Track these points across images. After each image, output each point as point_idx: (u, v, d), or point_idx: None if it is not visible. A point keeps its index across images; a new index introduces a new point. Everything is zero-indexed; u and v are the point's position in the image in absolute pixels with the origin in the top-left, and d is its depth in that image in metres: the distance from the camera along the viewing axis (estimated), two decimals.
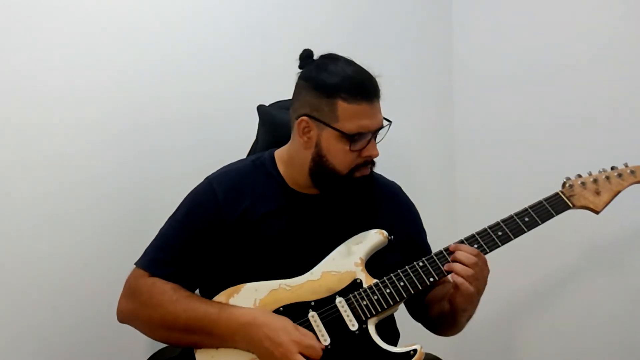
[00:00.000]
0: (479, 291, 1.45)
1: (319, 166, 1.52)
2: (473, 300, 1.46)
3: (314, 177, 1.54)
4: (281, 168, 1.60)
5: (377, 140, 1.53)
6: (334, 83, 1.47)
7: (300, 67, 1.58)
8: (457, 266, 1.44)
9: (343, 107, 1.46)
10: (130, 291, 1.50)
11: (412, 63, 2.48)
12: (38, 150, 1.75)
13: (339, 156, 1.50)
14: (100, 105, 1.85)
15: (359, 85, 1.48)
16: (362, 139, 1.48)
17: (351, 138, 1.47)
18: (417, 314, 1.67)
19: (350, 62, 1.53)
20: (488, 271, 1.47)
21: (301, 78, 1.55)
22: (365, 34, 2.36)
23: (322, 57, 1.56)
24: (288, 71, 2.12)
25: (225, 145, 1.95)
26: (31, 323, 1.74)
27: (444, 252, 1.50)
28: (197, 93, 2.02)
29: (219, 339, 1.41)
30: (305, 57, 1.57)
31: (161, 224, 1.57)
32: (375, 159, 1.55)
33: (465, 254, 1.45)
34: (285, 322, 1.40)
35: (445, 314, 1.53)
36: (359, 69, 1.52)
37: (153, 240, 1.55)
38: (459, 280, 1.43)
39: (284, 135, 1.65)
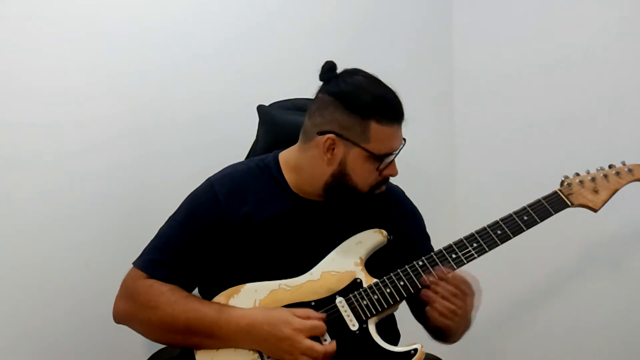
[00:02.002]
0: (463, 321, 1.45)
1: (340, 182, 1.51)
2: (458, 323, 1.46)
3: (329, 191, 1.53)
4: (286, 173, 1.58)
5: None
6: (368, 104, 1.46)
7: (321, 79, 1.53)
8: (434, 299, 1.43)
9: (376, 129, 1.46)
10: (128, 292, 1.50)
11: (412, 64, 2.48)
12: (38, 151, 1.76)
13: (364, 175, 1.50)
14: (101, 105, 1.86)
15: (392, 107, 1.49)
16: (388, 159, 1.50)
17: (381, 159, 1.48)
18: (421, 318, 1.67)
19: (377, 80, 1.52)
20: (472, 298, 1.45)
21: (328, 93, 1.50)
22: (365, 35, 2.36)
23: (347, 72, 1.52)
24: (288, 71, 2.15)
25: (226, 145, 1.96)
26: (30, 324, 1.75)
27: (444, 252, 1.50)
28: (198, 93, 2.03)
29: (219, 340, 1.41)
30: (328, 70, 1.52)
31: (161, 224, 1.57)
32: None
33: (444, 288, 1.44)
34: (282, 312, 1.40)
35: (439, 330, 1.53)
36: (388, 89, 1.51)
37: (152, 241, 1.55)
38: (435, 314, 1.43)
39: (284, 135, 1.66)
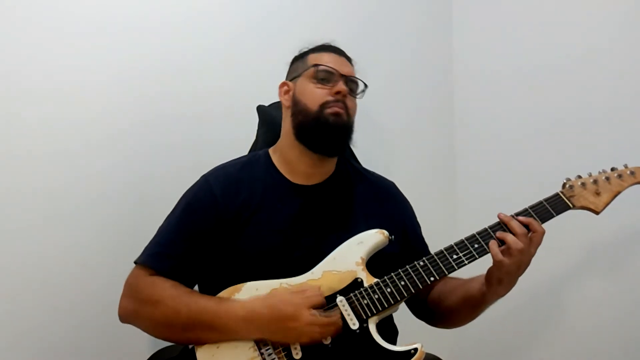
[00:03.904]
0: (520, 266, 1.44)
1: (296, 114, 1.62)
2: (511, 273, 1.45)
3: (298, 133, 1.61)
4: (276, 161, 1.65)
5: (357, 98, 1.67)
6: (306, 50, 1.71)
7: None
8: (509, 236, 1.45)
9: (312, 57, 1.66)
10: (131, 290, 1.51)
11: (412, 63, 2.49)
12: (36, 149, 1.76)
13: (309, 93, 1.61)
14: (101, 104, 1.86)
15: (327, 45, 1.70)
16: (329, 78, 1.61)
17: (316, 70, 1.61)
18: (423, 311, 1.69)
19: None
20: (535, 251, 1.47)
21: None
22: (365, 34, 2.37)
23: None
24: None
25: (225, 145, 1.96)
26: (30, 323, 1.74)
27: (445, 252, 1.50)
28: (198, 93, 2.03)
29: (220, 332, 1.41)
30: None
31: (161, 222, 1.58)
32: (348, 105, 1.62)
33: (519, 224, 1.47)
34: (278, 295, 1.43)
35: (472, 296, 1.53)
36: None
37: (152, 238, 1.56)
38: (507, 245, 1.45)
39: None
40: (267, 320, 1.39)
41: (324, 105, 1.58)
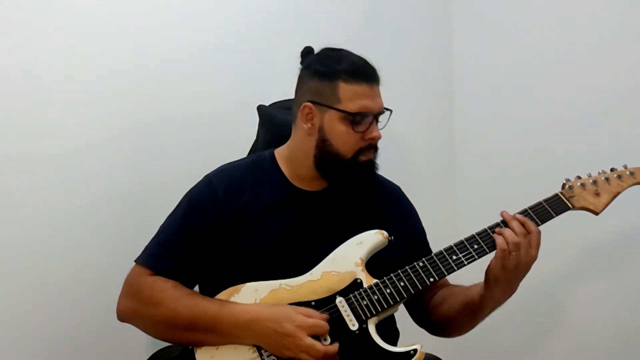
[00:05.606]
0: (517, 267, 1.43)
1: (323, 152, 1.54)
2: (508, 272, 1.43)
3: (319, 165, 1.56)
4: (282, 165, 1.62)
5: (380, 127, 1.56)
6: (335, 66, 1.52)
7: (301, 63, 1.62)
8: (506, 231, 1.45)
9: (344, 88, 1.50)
10: (131, 290, 1.50)
11: (412, 63, 2.49)
12: (37, 149, 1.76)
13: (343, 138, 1.52)
14: (101, 104, 1.86)
15: (359, 68, 1.53)
16: (364, 121, 1.51)
17: (353, 117, 1.50)
18: (423, 317, 1.68)
19: (350, 52, 1.58)
20: (535, 253, 1.46)
21: (303, 69, 1.60)
22: (365, 34, 2.37)
23: (323, 49, 1.61)
24: (289, 71, 2.12)
25: (226, 145, 1.96)
26: (30, 323, 1.74)
27: (445, 253, 1.50)
28: (198, 93, 2.03)
29: (221, 335, 1.41)
30: (306, 53, 1.63)
31: (161, 223, 1.58)
32: (378, 145, 1.57)
33: (519, 224, 1.47)
34: (285, 309, 1.40)
35: (472, 300, 1.52)
36: (357, 56, 1.57)
37: (153, 238, 1.56)
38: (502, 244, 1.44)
39: (284, 135, 1.66)
40: (267, 331, 1.38)
41: (358, 153, 1.53)
